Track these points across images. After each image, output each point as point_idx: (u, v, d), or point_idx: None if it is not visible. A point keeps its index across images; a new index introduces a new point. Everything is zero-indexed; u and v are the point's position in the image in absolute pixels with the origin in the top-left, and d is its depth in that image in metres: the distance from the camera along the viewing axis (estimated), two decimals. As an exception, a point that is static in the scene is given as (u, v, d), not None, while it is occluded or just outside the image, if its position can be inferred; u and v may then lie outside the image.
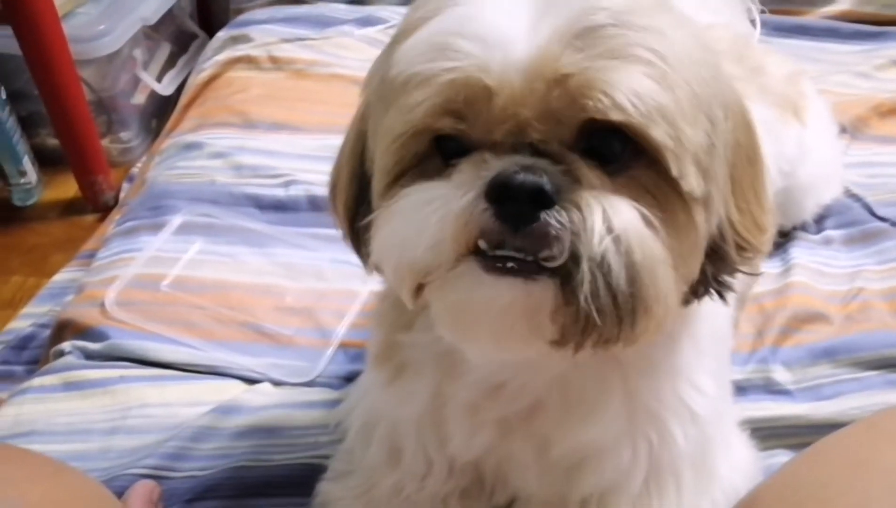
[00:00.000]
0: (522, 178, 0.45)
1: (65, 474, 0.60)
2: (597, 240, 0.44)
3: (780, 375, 0.86)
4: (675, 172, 0.47)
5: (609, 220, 0.45)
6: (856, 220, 1.03)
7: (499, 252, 0.46)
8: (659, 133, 0.46)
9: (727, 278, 0.55)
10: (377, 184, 0.52)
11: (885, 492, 0.49)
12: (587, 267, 0.44)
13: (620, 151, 0.48)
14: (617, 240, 0.45)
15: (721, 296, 0.55)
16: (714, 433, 0.64)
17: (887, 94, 1.23)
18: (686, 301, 0.54)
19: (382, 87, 0.51)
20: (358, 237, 0.57)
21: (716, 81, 0.51)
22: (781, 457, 0.78)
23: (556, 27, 0.46)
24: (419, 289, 0.50)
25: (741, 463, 0.69)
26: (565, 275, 0.45)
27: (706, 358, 0.62)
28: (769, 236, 0.55)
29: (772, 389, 0.85)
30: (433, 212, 0.46)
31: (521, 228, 0.45)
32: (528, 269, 0.46)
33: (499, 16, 0.47)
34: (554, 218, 0.45)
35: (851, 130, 1.17)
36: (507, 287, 0.46)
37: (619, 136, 0.47)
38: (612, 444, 0.60)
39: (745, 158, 0.54)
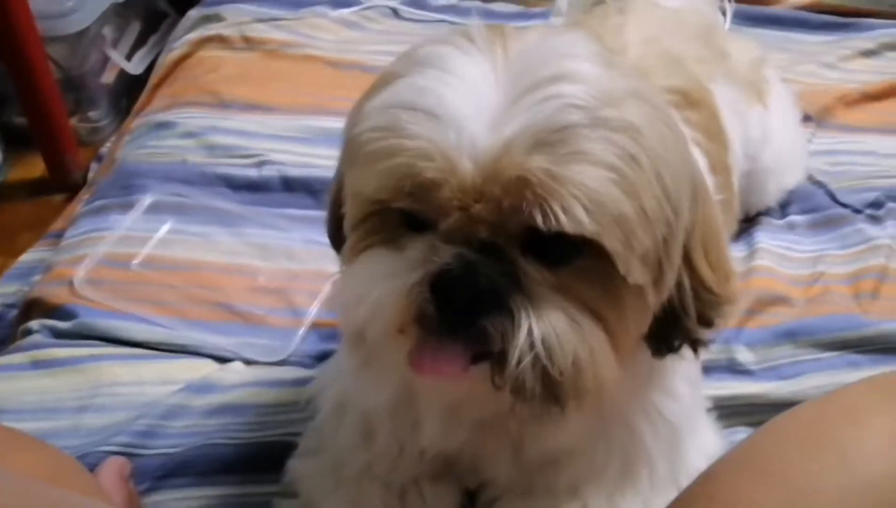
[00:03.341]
0: (463, 282, 0.47)
1: (42, 448, 0.60)
2: (519, 354, 0.47)
3: (743, 355, 0.88)
4: (622, 270, 0.49)
5: (533, 333, 0.47)
6: (819, 206, 1.05)
7: (433, 336, 0.49)
8: (611, 242, 0.47)
9: (700, 336, 0.56)
10: (346, 222, 0.54)
11: (838, 464, 0.51)
12: (512, 369, 0.47)
13: (567, 248, 0.49)
14: (538, 355, 0.47)
15: (694, 350, 0.58)
16: (685, 426, 0.66)
17: (853, 84, 1.26)
18: (656, 353, 0.57)
19: (350, 138, 0.52)
20: (338, 239, 0.59)
21: (685, 165, 0.51)
22: (743, 435, 0.79)
23: (524, 123, 0.46)
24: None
25: (707, 446, 0.70)
26: (499, 361, 0.48)
27: (683, 363, 0.62)
28: (735, 283, 0.58)
29: (735, 369, 0.87)
30: (381, 287, 0.49)
31: (457, 322, 0.48)
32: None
33: (460, 93, 0.47)
34: (489, 322, 0.48)
35: (817, 118, 1.19)
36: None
37: (566, 237, 0.47)
38: (585, 446, 0.62)
39: (711, 226, 0.55)
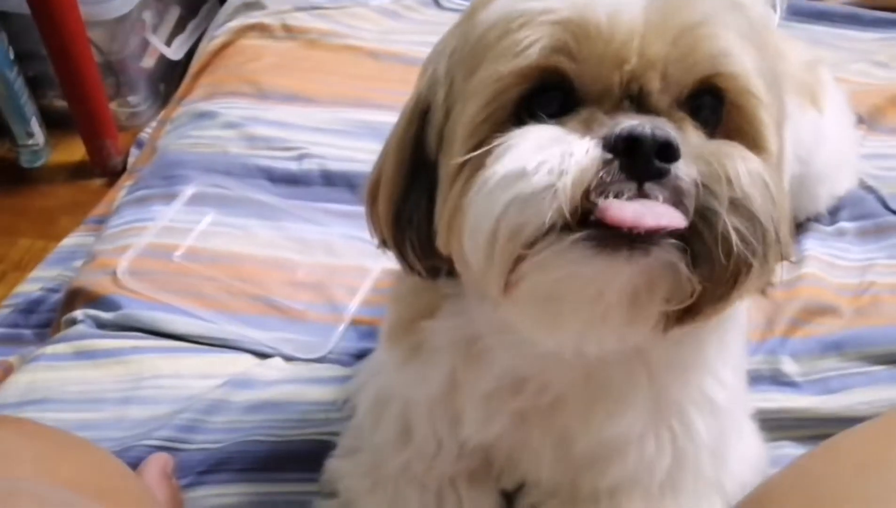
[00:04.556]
0: (652, 130, 0.43)
1: (90, 451, 0.60)
2: (745, 182, 0.43)
3: (789, 366, 0.86)
4: (764, 128, 0.47)
5: (748, 165, 0.44)
6: (869, 212, 1.03)
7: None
8: (762, 91, 0.47)
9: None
10: (458, 149, 0.48)
11: None
12: (725, 216, 0.43)
13: (711, 114, 0.48)
14: (757, 182, 0.44)
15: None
16: (729, 423, 0.65)
17: (906, 84, 1.22)
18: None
19: (464, 51, 0.50)
20: (403, 237, 0.54)
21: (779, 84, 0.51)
22: (787, 449, 0.79)
23: None
24: (513, 268, 0.45)
25: (750, 455, 0.69)
26: (688, 236, 0.43)
27: (729, 351, 0.61)
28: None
29: (779, 380, 0.85)
30: (550, 155, 0.43)
31: (647, 183, 0.43)
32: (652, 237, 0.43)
33: None
34: (683, 171, 0.43)
35: (868, 120, 1.16)
36: (628, 262, 0.43)
37: (715, 97, 0.47)
38: (638, 437, 0.60)
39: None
